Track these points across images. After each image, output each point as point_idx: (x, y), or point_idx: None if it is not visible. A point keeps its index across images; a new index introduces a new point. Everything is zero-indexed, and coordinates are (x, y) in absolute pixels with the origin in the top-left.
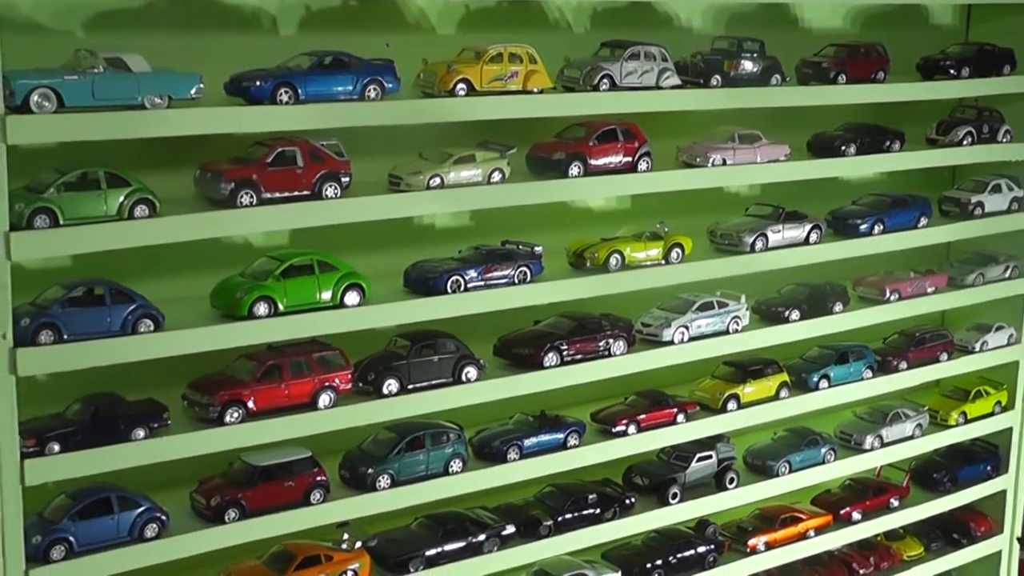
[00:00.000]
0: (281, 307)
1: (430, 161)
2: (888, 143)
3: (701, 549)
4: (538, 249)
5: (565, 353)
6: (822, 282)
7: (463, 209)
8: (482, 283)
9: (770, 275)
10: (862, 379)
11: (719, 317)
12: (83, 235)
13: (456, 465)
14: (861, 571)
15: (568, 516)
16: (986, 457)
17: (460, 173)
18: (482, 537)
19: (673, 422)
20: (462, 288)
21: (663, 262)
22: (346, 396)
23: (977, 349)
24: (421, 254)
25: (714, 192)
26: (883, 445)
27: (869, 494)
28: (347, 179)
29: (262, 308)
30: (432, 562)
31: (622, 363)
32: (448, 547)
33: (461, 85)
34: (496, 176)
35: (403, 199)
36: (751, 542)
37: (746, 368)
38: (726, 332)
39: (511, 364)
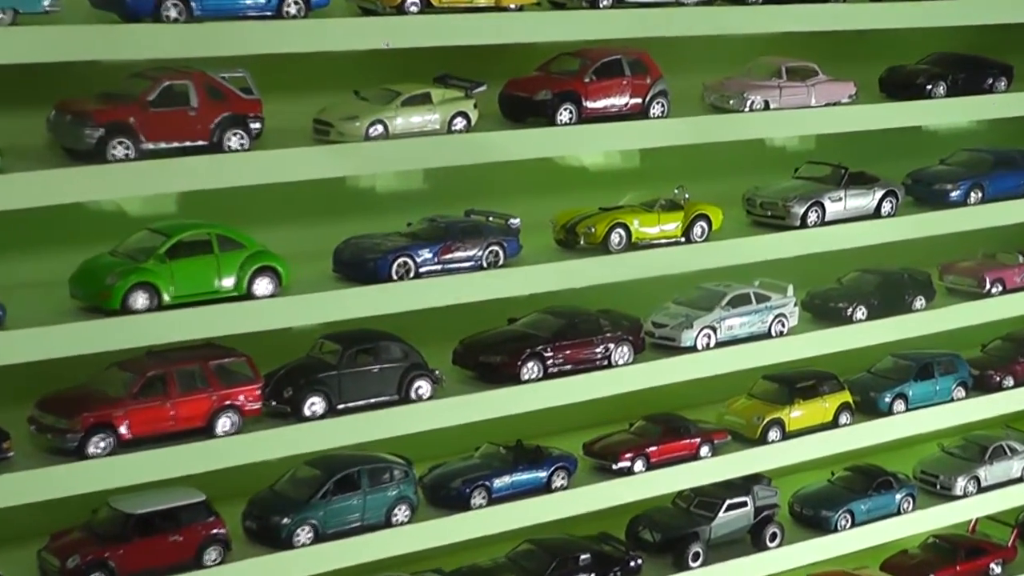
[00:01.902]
0: (167, 298)
1: (370, 102)
2: (991, 80)
3: None
4: (514, 222)
5: (550, 362)
6: (898, 269)
7: (414, 167)
8: (439, 267)
9: (827, 258)
10: (952, 400)
11: (758, 315)
12: None
13: (402, 513)
14: None
15: None
16: None
17: (411, 119)
18: None
19: (695, 457)
20: (412, 274)
21: (682, 240)
22: (254, 419)
23: None
24: (358, 228)
25: (753, 146)
26: (980, 490)
27: (961, 556)
28: (258, 125)
29: (141, 299)
30: None
31: (627, 376)
32: None
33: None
34: (459, 123)
35: (333, 154)
36: None
37: (794, 384)
38: (767, 335)
39: (477, 376)
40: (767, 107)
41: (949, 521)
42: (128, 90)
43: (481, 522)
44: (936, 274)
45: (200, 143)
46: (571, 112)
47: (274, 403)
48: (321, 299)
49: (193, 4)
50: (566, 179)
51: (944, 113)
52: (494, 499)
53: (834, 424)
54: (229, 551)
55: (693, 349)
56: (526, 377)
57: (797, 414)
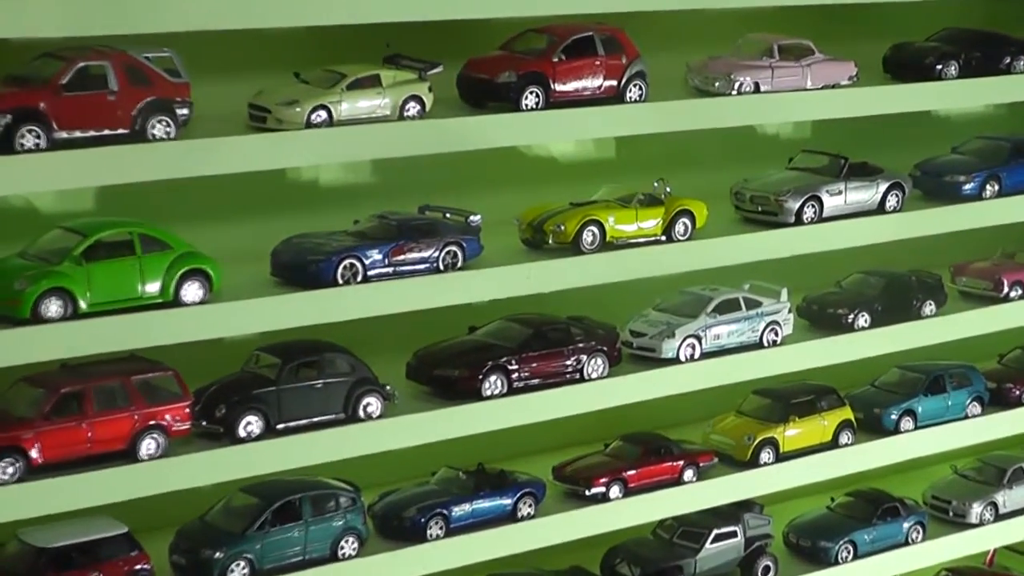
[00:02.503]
0: (83, 305)
1: (312, 85)
2: (1008, 59)
3: None
4: (475, 219)
5: (515, 376)
6: (905, 270)
7: (362, 158)
8: (390, 270)
9: (826, 259)
10: (966, 416)
11: (748, 322)
12: None
13: (349, 546)
14: None
15: None
16: None
17: (358, 103)
18: None
19: (678, 481)
20: (359, 277)
21: (663, 239)
22: (182, 440)
23: None
24: (299, 226)
25: (741, 134)
26: (998, 517)
27: None
28: (185, 111)
29: (54, 306)
30: None
31: (601, 391)
32: None
33: None
34: (412, 108)
35: (270, 143)
36: None
37: (789, 400)
38: (759, 345)
39: (434, 392)
40: (757, 90)
41: (963, 552)
42: (38, 72)
43: (438, 555)
44: (948, 276)
45: (121, 131)
46: (538, 96)
47: (205, 423)
48: (257, 306)
49: None
50: (532, 171)
51: (956, 96)
52: (453, 529)
53: (834, 444)
54: None
55: (676, 361)
56: (488, 393)
57: (792, 433)
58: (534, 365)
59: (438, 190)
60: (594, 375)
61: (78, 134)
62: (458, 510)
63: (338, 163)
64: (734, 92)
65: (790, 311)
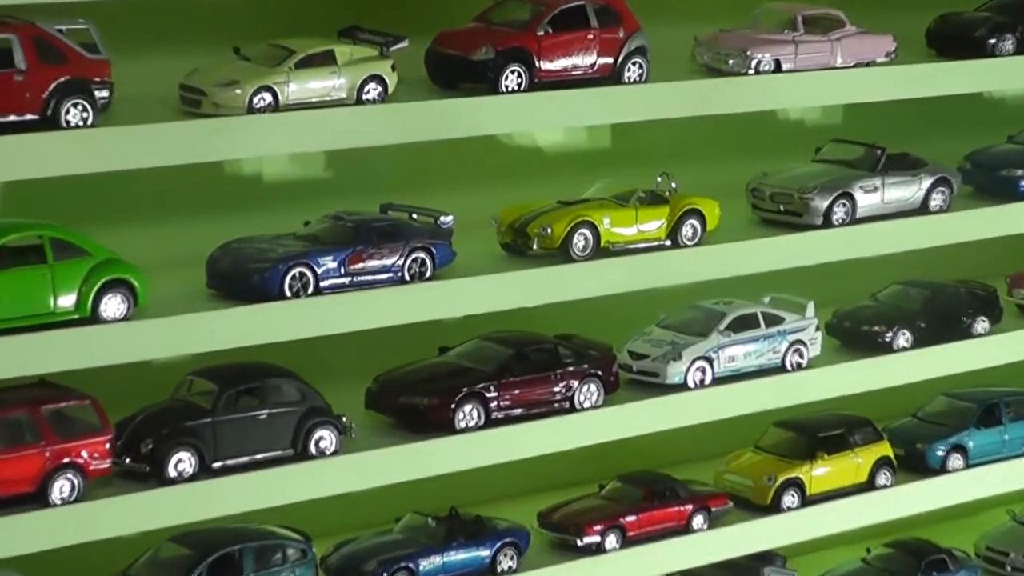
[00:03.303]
0: None
1: (255, 63)
2: None
3: None
4: (446, 220)
5: (494, 405)
6: (952, 281)
7: (314, 149)
8: (347, 280)
9: (860, 267)
10: None
11: (768, 342)
12: None
13: None
14: None
15: None
16: None
17: (308, 84)
18: None
19: (686, 529)
20: (310, 289)
21: (667, 243)
22: (102, 481)
23: None
24: (240, 229)
25: (760, 121)
26: None
27: None
28: (106, 93)
29: None
30: None
31: (595, 423)
32: None
33: None
34: (372, 90)
35: (206, 131)
36: None
37: (816, 434)
38: (781, 368)
39: (398, 424)
40: (778, 68)
41: None
42: None
43: None
44: (1003, 288)
45: (29, 117)
46: (520, 76)
47: (128, 460)
48: (190, 323)
49: None
50: (514, 164)
51: (1012, 75)
52: None
53: (870, 485)
54: None
55: (683, 387)
56: (462, 425)
57: (821, 472)
58: (516, 392)
59: (403, 186)
60: (586, 404)
61: None
62: (427, 563)
63: (285, 154)
64: (751, 71)
65: (818, 329)
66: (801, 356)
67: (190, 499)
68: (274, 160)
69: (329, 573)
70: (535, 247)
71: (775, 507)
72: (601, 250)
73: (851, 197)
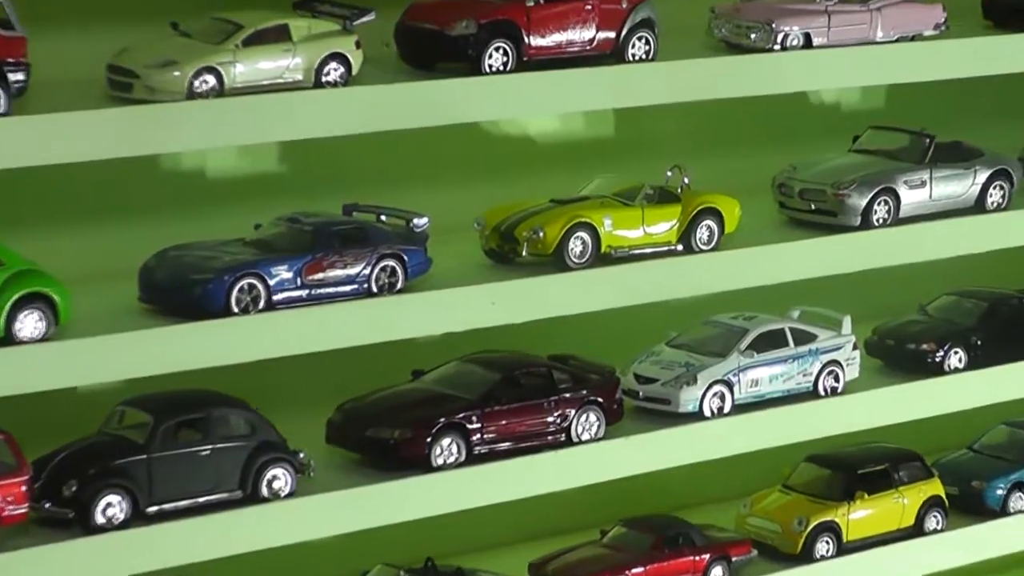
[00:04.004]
0: None
1: (196, 40)
2: None
3: None
4: (420, 222)
5: (477, 438)
6: (1013, 291)
7: (265, 140)
8: (304, 293)
9: (904, 275)
10: None
11: (798, 363)
12: None
13: None
14: None
15: None
16: None
17: (258, 64)
18: None
19: None
20: (261, 303)
21: (679, 248)
22: (17, 528)
23: None
24: (179, 234)
25: (788, 105)
26: None
27: None
28: (20, 76)
29: None
30: None
31: (595, 458)
32: None
33: None
34: (334, 71)
35: (138, 119)
36: None
37: (855, 470)
38: (812, 394)
39: (365, 461)
40: (808, 44)
41: None
42: None
43: None
44: None
45: None
46: (506, 53)
47: (48, 505)
48: (121, 344)
49: None
50: (500, 157)
51: None
52: None
53: (917, 530)
54: None
55: (698, 416)
56: (440, 461)
57: (860, 515)
58: (503, 423)
59: (370, 183)
60: (585, 436)
61: None
62: None
63: (232, 147)
64: (777, 47)
65: (855, 348)
66: (836, 379)
67: (121, 549)
68: (218, 153)
69: None
70: (525, 253)
71: (806, 556)
72: (602, 257)
73: (894, 193)
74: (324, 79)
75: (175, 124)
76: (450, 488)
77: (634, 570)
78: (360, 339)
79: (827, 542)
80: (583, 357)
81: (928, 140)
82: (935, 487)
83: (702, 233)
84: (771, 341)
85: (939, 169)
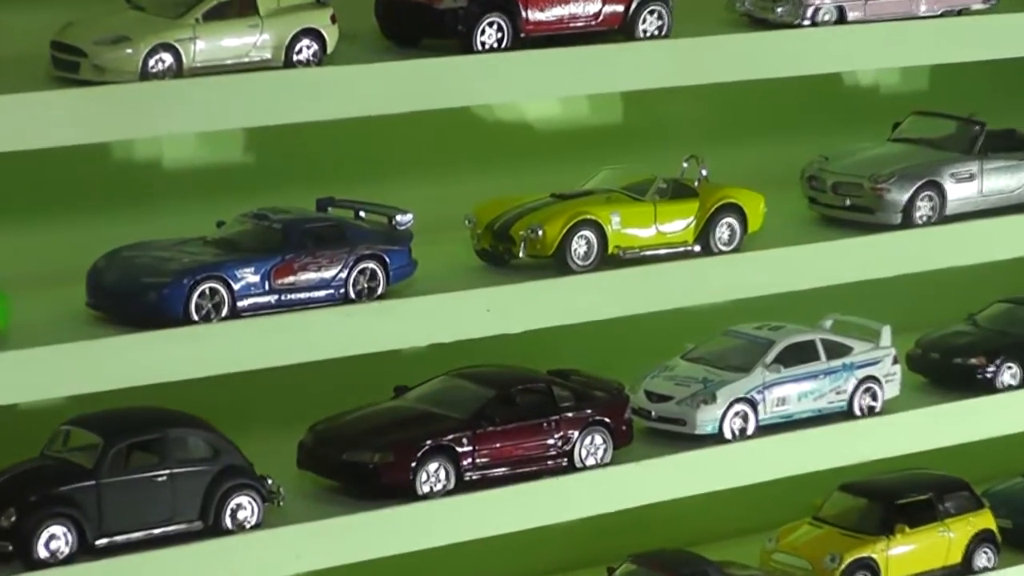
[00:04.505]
0: None
1: (150, 14)
2: None
3: None
4: (403, 219)
5: (468, 463)
6: None
7: (229, 127)
8: (273, 299)
9: (951, 280)
10: None
11: (830, 379)
12: None
13: None
14: None
15: None
16: None
17: (221, 41)
18: None
19: None
20: (225, 310)
21: (696, 248)
22: None
23: None
24: (131, 231)
25: (818, 88)
26: None
27: None
28: None
29: None
30: None
31: (602, 486)
32: None
33: None
34: (306, 48)
35: (87, 102)
36: None
37: (894, 500)
38: (847, 414)
39: (342, 488)
40: (842, 19)
41: None
42: None
43: None
44: None
45: None
46: (501, 29)
47: None
48: (66, 355)
49: None
50: (494, 146)
51: None
52: None
53: (966, 567)
54: None
55: (717, 439)
56: (426, 489)
57: (901, 551)
58: (497, 446)
59: (347, 175)
60: (590, 461)
61: None
62: None
63: (191, 134)
64: (807, 22)
65: (896, 361)
66: (874, 397)
67: None
68: (176, 142)
69: None
70: (522, 254)
71: None
72: (609, 258)
73: (939, 187)
74: (295, 58)
75: (127, 108)
76: (437, 519)
77: None
78: (336, 351)
79: None
80: (587, 372)
81: (978, 128)
82: (985, 519)
83: (722, 232)
84: (800, 354)
85: (990, 160)
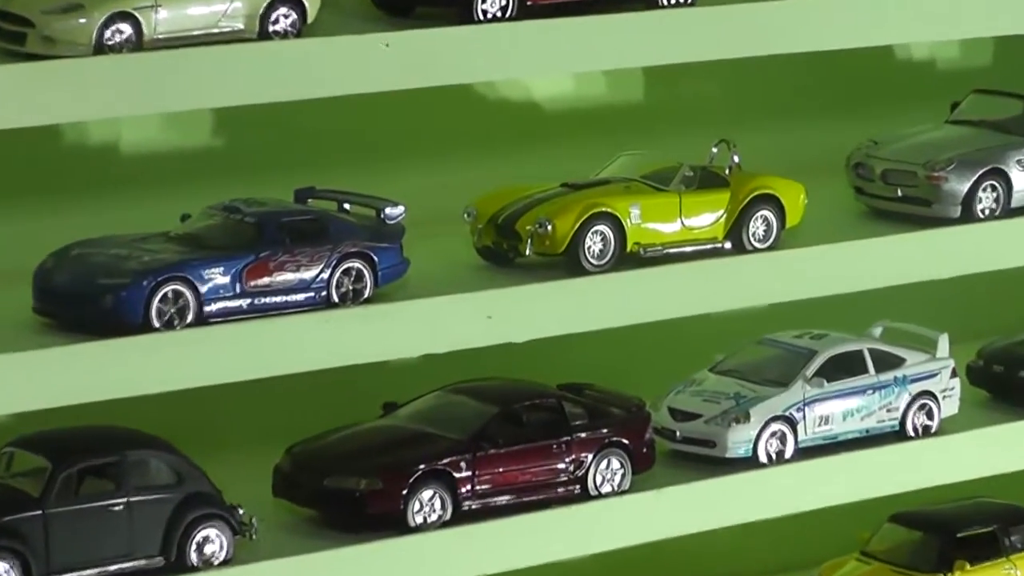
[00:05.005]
0: None
1: None
2: None
3: None
4: (394, 212)
5: (467, 490)
6: None
7: (196, 107)
8: (244, 303)
9: (1017, 282)
10: None
11: (880, 394)
12: None
13: None
14: None
15: None
16: None
17: (187, 10)
18: None
19: None
20: (190, 316)
21: (726, 246)
22: None
23: None
24: (84, 227)
25: (865, 61)
26: None
27: None
28: None
29: None
30: None
31: (620, 517)
32: None
33: None
34: (283, 18)
35: (35, 78)
36: None
37: (953, 533)
38: (899, 434)
39: (323, 518)
40: None
41: None
42: None
43: None
44: None
45: None
46: None
47: None
48: (10, 367)
49: None
50: (497, 129)
51: None
52: None
53: None
54: None
55: (751, 462)
56: (419, 520)
57: None
58: (499, 471)
59: (330, 162)
60: (606, 488)
61: None
62: None
63: (153, 115)
64: None
65: (954, 375)
66: (930, 416)
67: None
68: (135, 124)
69: None
70: (529, 252)
71: None
72: (627, 257)
73: (1004, 176)
74: (271, 28)
75: (80, 86)
76: (431, 554)
77: None
78: (316, 362)
79: None
80: (603, 386)
81: None
82: None
83: (757, 227)
84: (846, 366)
85: None
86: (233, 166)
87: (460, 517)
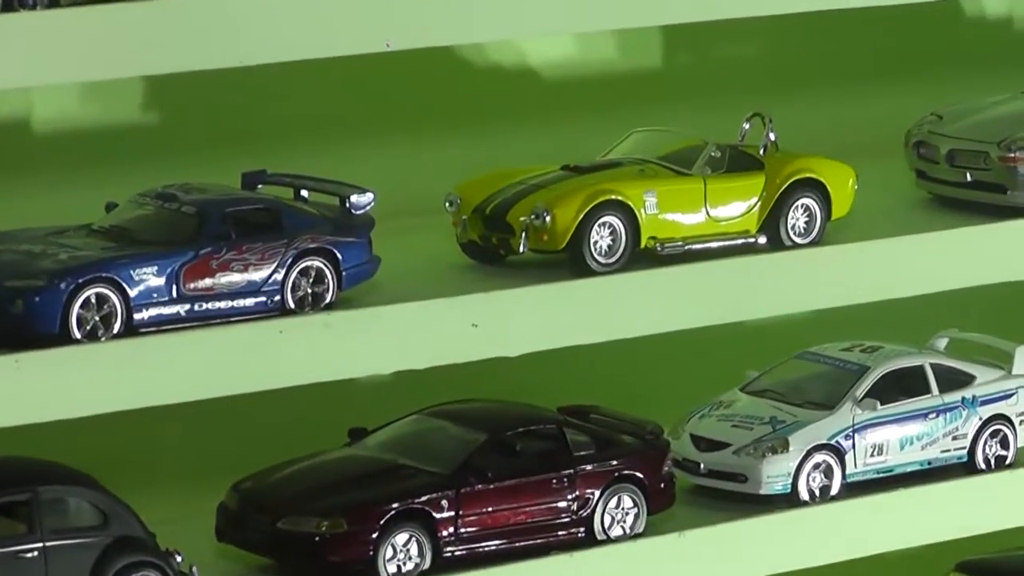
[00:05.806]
0: None
1: None
2: None
3: None
4: (361, 200)
5: (449, 534)
6: None
7: (127, 75)
8: (183, 309)
9: None
10: None
11: (945, 419)
12: None
13: None
14: None
15: None
16: None
17: None
18: None
19: None
20: (118, 324)
21: (760, 240)
22: None
23: None
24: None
25: (923, 22)
26: None
27: None
28: None
29: None
30: None
31: (633, 563)
32: None
33: None
34: None
35: None
36: None
37: None
38: (969, 466)
39: (277, 569)
40: None
41: None
42: None
43: None
44: None
45: None
46: None
47: None
48: None
49: None
50: (486, 100)
51: None
52: None
53: None
54: None
55: (790, 499)
56: (392, 569)
57: None
58: (488, 510)
59: (286, 140)
60: (616, 531)
61: None
62: None
63: (72, 83)
64: None
65: None
66: (1004, 444)
67: None
68: (51, 94)
69: None
70: (523, 248)
71: None
72: (641, 254)
73: None
74: None
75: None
76: None
77: None
78: (269, 380)
79: None
80: (612, 410)
81: None
82: None
83: (797, 218)
84: (903, 385)
85: None
86: (168, 145)
87: (441, 565)
